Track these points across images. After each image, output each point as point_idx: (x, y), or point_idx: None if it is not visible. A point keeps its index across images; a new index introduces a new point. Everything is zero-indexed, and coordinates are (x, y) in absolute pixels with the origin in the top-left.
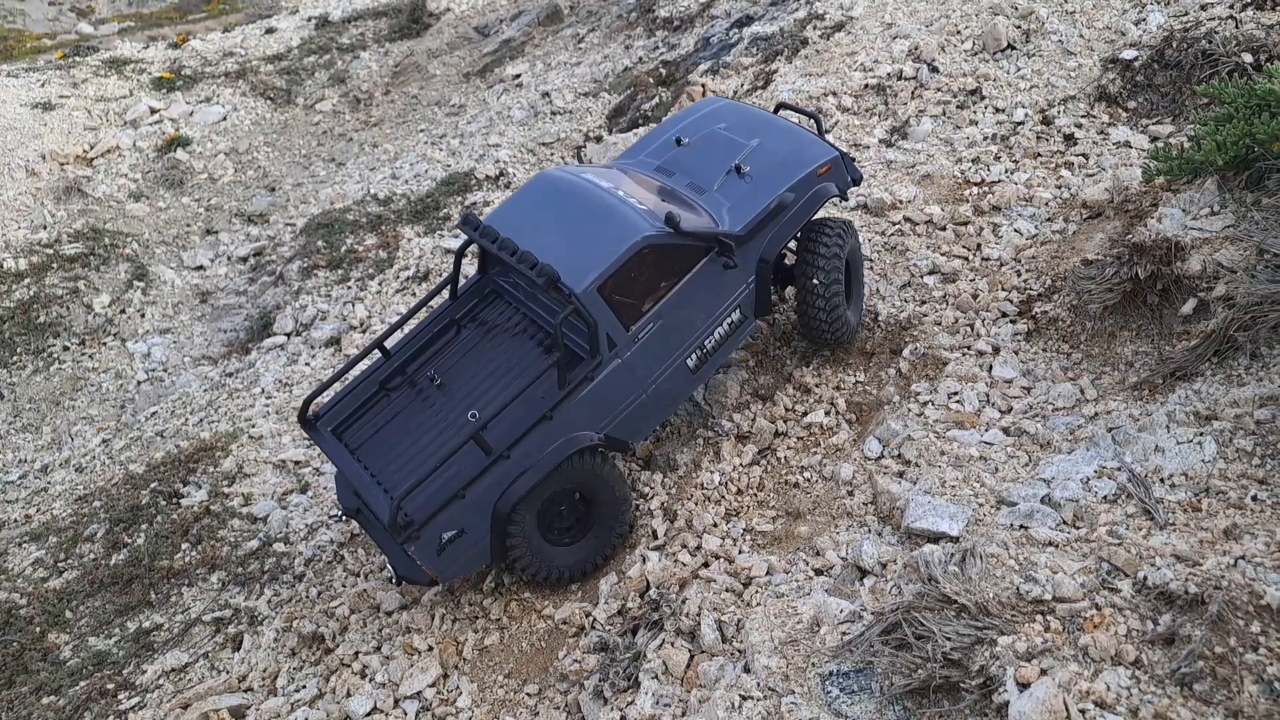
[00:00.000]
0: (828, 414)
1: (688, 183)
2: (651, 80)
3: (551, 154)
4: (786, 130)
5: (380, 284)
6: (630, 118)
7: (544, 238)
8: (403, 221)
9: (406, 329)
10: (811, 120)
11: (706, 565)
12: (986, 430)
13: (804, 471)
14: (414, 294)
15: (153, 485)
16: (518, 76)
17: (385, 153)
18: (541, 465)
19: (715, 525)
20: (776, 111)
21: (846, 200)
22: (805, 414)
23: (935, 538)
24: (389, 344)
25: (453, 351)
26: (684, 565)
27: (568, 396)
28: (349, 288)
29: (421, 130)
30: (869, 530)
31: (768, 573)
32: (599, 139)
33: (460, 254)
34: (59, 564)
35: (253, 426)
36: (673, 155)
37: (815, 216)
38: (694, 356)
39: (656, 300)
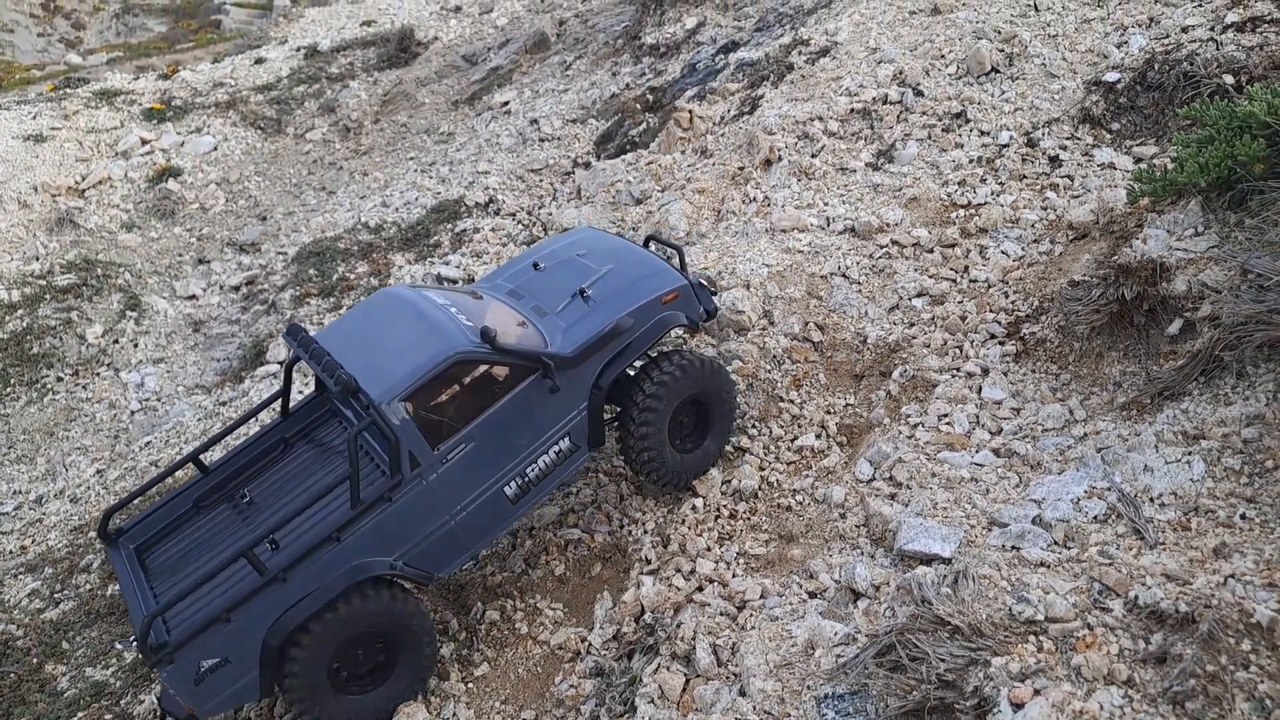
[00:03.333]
0: (818, 437)
1: (533, 305)
2: (639, 106)
3: (540, 180)
4: (642, 259)
5: None
6: (618, 143)
7: (362, 350)
8: (394, 249)
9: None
10: (675, 253)
11: (701, 589)
12: (977, 451)
13: (796, 495)
14: None
15: None
16: (506, 104)
17: (375, 181)
18: (323, 592)
19: (709, 549)
20: (646, 244)
21: (698, 331)
22: (795, 438)
23: (928, 559)
24: (224, 453)
25: (276, 470)
26: (678, 589)
27: (358, 518)
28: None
29: (411, 158)
30: (861, 553)
31: (761, 596)
32: (587, 165)
33: (289, 368)
34: (55, 595)
35: None
36: (527, 279)
37: (679, 349)
38: (513, 484)
39: (471, 420)
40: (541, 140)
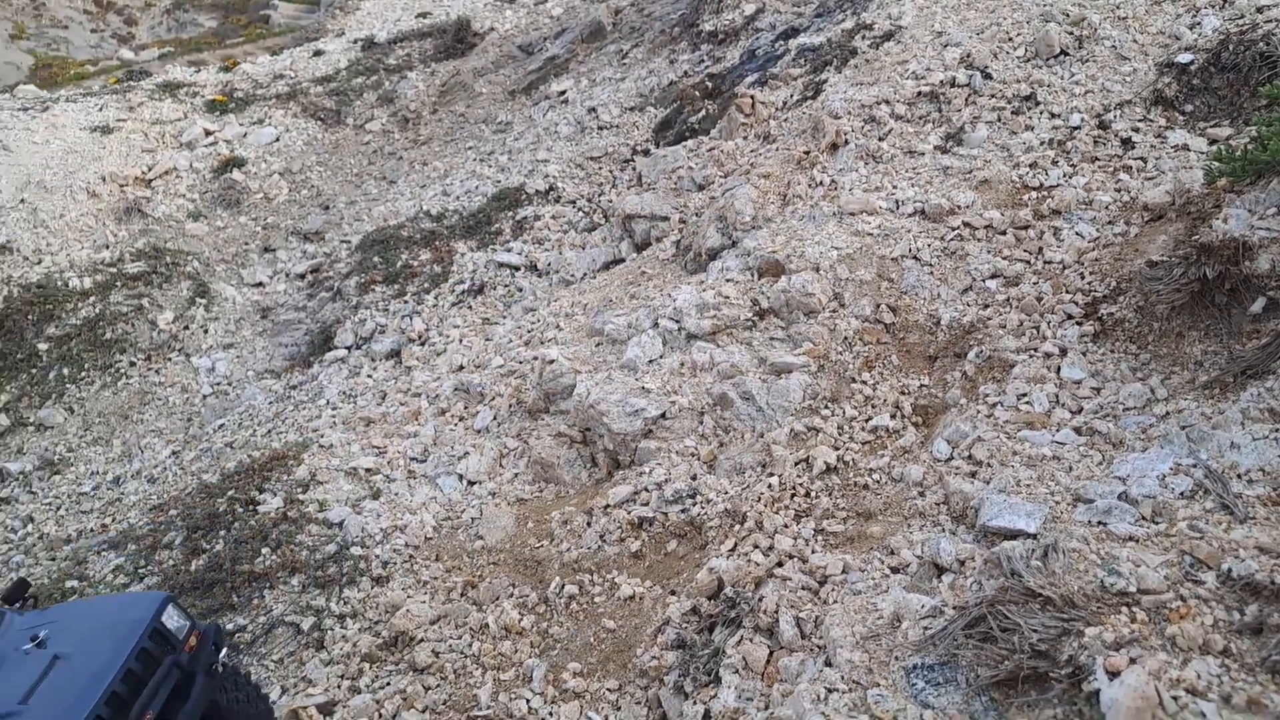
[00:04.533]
0: (893, 417)
1: None
2: (698, 93)
3: (600, 167)
4: None
5: (436, 298)
6: (678, 130)
7: None
8: (455, 237)
9: None
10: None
11: (780, 564)
12: (1058, 430)
13: (872, 474)
14: (469, 307)
15: (229, 493)
16: (563, 93)
17: (435, 170)
18: None
19: (786, 526)
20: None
21: None
22: (869, 418)
23: (1011, 535)
24: None
25: None
26: (757, 565)
27: None
28: (405, 302)
29: (470, 148)
30: (943, 529)
31: (843, 571)
32: (646, 152)
33: None
34: (139, 570)
35: (321, 437)
36: None
37: None
38: None
39: None
40: (600, 128)
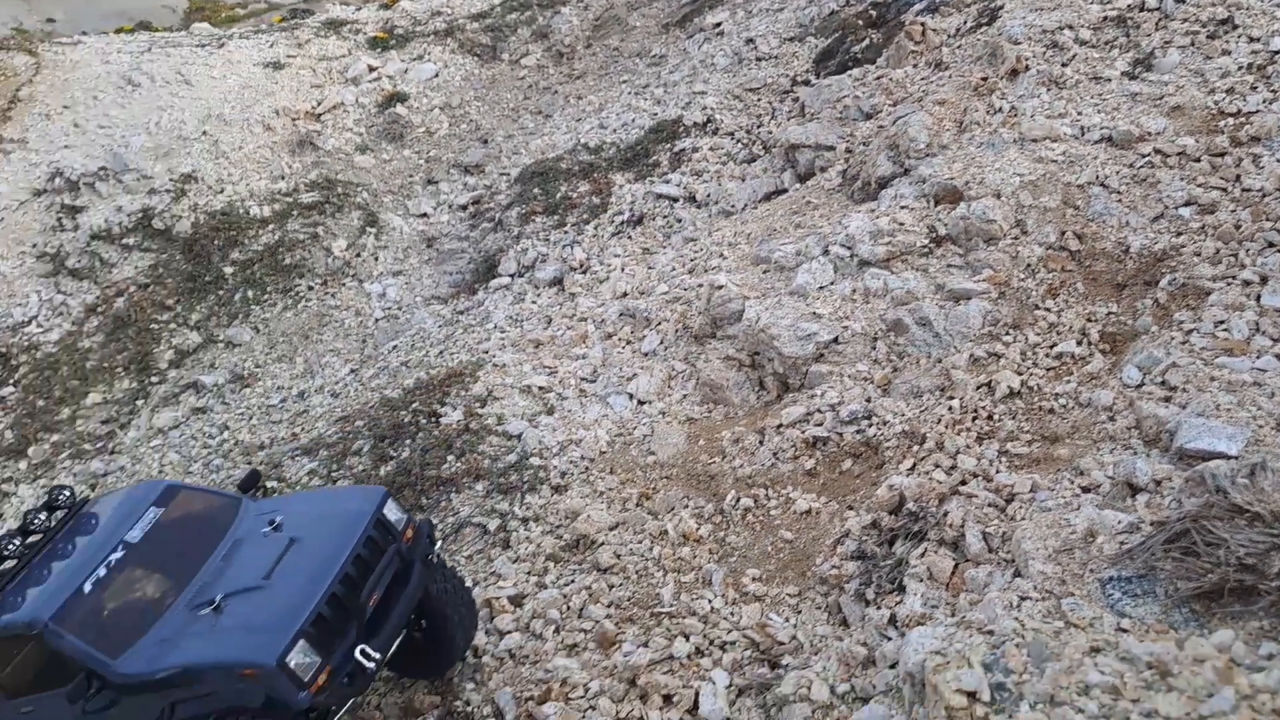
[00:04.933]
0: (1079, 344)
1: (204, 584)
2: (860, 22)
3: (758, 99)
4: (305, 586)
5: (596, 228)
6: (840, 60)
7: (64, 545)
8: (613, 169)
9: None
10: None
11: (964, 483)
12: (1259, 357)
13: (1058, 398)
14: (629, 237)
15: (412, 406)
16: (718, 25)
17: (590, 104)
18: None
19: (968, 448)
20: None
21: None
22: (1054, 345)
23: (1209, 457)
24: None
25: None
26: (939, 483)
27: None
28: (566, 232)
29: (624, 81)
30: (1135, 452)
31: (1031, 490)
32: (807, 83)
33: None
34: (332, 474)
35: (493, 357)
36: (249, 539)
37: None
38: None
39: (36, 690)
40: (758, 59)
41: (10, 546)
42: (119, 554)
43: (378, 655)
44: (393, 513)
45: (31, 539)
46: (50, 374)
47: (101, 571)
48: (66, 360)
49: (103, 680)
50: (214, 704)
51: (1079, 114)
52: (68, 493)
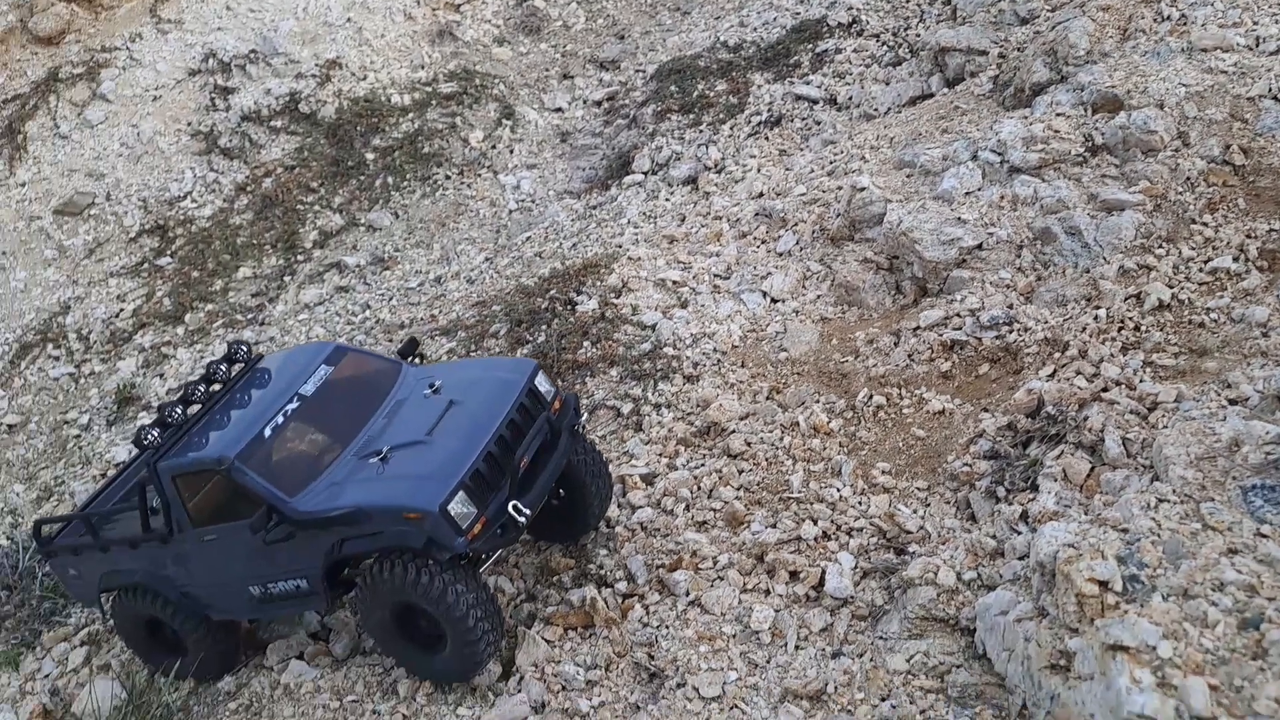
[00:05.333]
0: (1236, 260)
1: (371, 436)
2: None
3: (907, 1)
4: (463, 447)
5: (732, 128)
6: None
7: (241, 394)
8: (752, 68)
9: None
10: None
11: (1106, 390)
12: None
13: (1209, 313)
14: (765, 138)
15: (548, 293)
16: None
17: (730, 1)
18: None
19: (1112, 356)
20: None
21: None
22: (1208, 260)
23: None
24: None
25: None
26: (1080, 389)
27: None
28: (701, 131)
29: None
30: None
31: (1176, 399)
32: None
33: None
34: (470, 355)
35: (627, 251)
36: (411, 398)
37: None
38: (256, 589)
39: (222, 519)
40: None
41: (196, 393)
42: (294, 405)
43: (528, 511)
44: (543, 384)
45: (214, 388)
46: (204, 247)
47: (279, 419)
48: (219, 235)
49: (281, 515)
50: (379, 543)
51: (1254, 24)
52: (245, 348)
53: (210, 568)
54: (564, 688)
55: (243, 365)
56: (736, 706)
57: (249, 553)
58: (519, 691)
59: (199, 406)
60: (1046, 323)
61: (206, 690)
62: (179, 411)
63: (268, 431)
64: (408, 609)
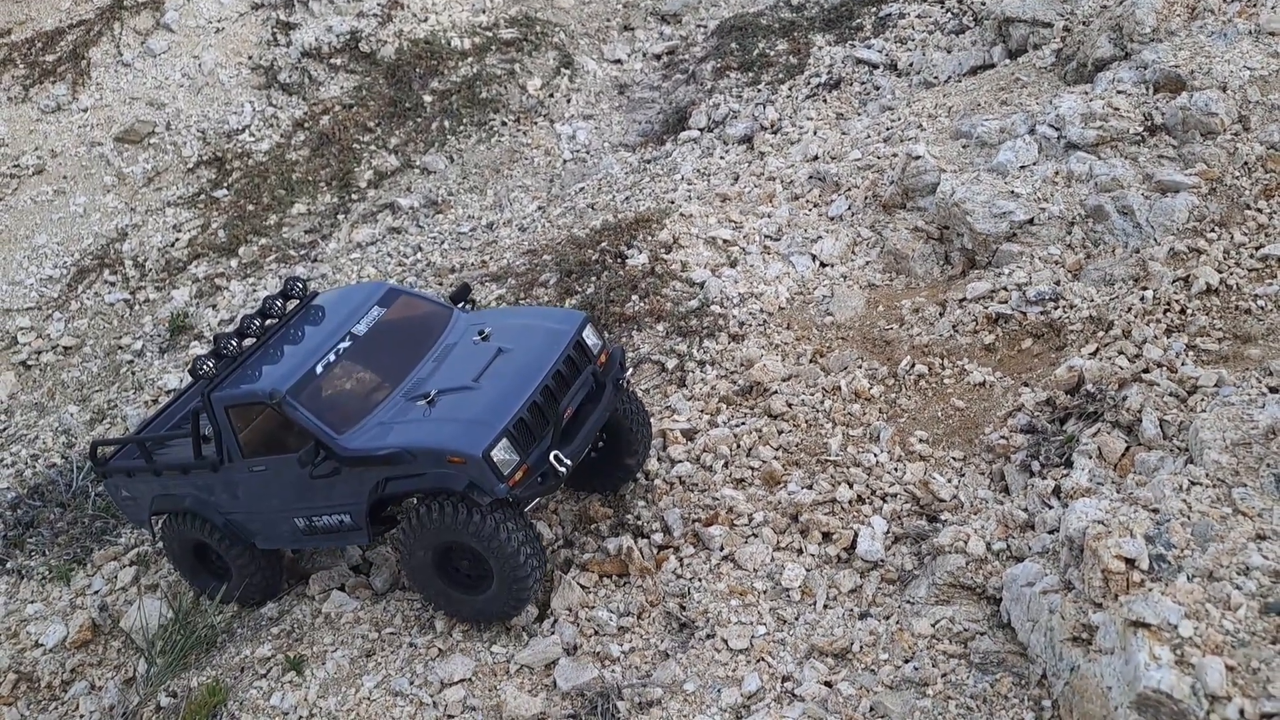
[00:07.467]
0: None
1: (419, 380)
2: None
3: None
4: (513, 387)
5: (790, 89)
6: None
7: (294, 330)
8: (814, 29)
9: None
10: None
11: (1147, 371)
12: None
13: (1257, 299)
14: (824, 100)
15: (600, 245)
16: None
17: None
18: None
19: (1156, 338)
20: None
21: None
22: (1260, 246)
23: None
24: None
25: None
26: (1121, 368)
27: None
28: (759, 90)
29: None
30: None
31: (1216, 384)
32: None
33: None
34: (519, 302)
35: (679, 207)
36: (461, 343)
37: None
38: (302, 520)
39: (271, 451)
40: None
41: (252, 326)
42: (346, 344)
43: (569, 461)
44: (590, 336)
45: (269, 322)
46: (260, 181)
47: (331, 357)
48: (275, 170)
49: (329, 451)
50: (421, 484)
51: None
52: (301, 284)
53: (257, 497)
54: (596, 632)
55: (298, 302)
56: (764, 659)
57: (295, 485)
58: (553, 633)
59: (254, 340)
60: (1092, 301)
61: (250, 615)
62: (234, 344)
63: (319, 368)
64: (449, 550)
